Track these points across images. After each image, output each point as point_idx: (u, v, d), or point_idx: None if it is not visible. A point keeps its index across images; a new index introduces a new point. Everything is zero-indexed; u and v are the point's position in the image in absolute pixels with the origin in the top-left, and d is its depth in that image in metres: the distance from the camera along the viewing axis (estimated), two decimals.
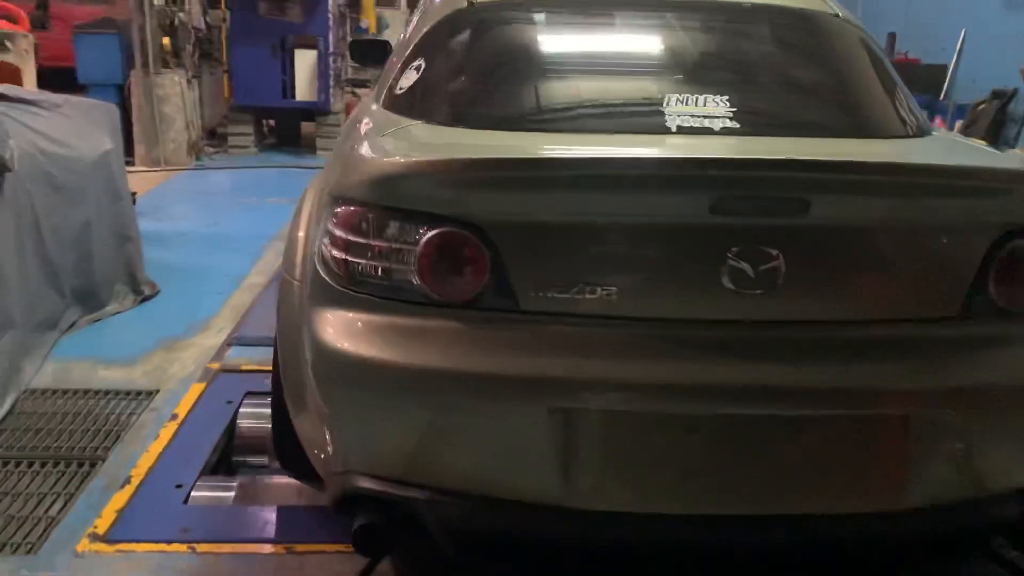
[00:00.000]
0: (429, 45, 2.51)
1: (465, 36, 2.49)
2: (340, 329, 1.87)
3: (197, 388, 3.30)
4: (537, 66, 2.42)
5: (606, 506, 1.81)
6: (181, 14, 7.50)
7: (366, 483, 1.89)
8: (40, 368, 3.40)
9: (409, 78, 2.46)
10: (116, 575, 2.24)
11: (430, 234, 1.79)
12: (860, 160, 1.86)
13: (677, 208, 1.76)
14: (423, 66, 2.45)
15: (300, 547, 2.36)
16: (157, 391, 3.27)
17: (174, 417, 3.06)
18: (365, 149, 2.05)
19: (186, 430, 2.98)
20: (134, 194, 5.86)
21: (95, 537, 2.38)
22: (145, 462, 2.77)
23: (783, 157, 1.82)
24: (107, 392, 3.25)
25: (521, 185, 1.80)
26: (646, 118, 2.16)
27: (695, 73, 2.37)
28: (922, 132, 2.37)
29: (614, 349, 1.78)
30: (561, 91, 2.35)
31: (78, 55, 7.22)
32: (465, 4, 2.55)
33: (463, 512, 1.86)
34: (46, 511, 2.50)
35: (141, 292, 4.26)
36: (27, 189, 3.36)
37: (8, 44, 4.12)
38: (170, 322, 3.96)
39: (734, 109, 2.15)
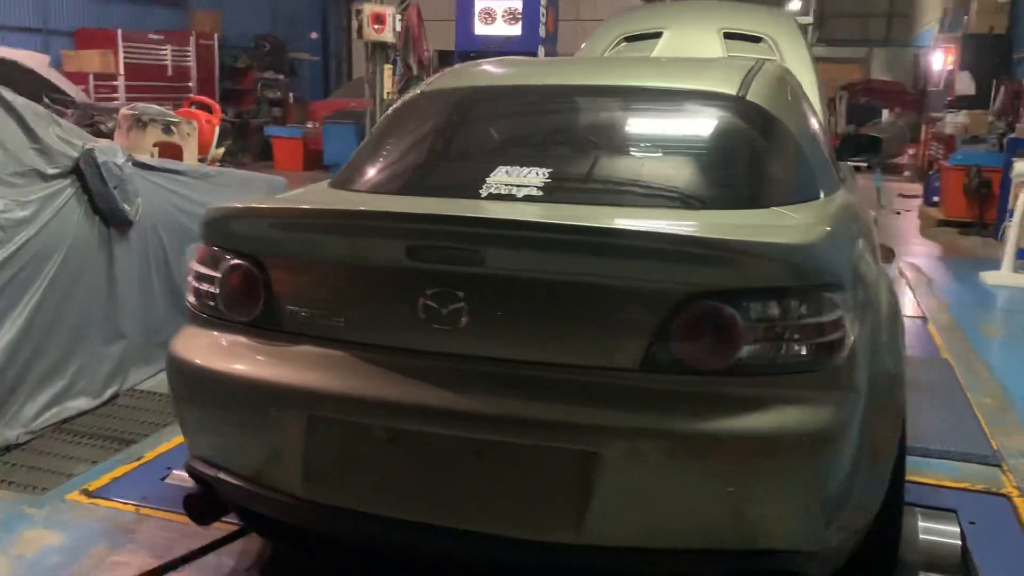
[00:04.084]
0: (378, 127, 3.07)
1: (394, 119, 3.02)
2: (180, 338, 2.44)
3: None
4: (419, 142, 2.88)
5: (326, 500, 2.16)
6: None
7: (193, 462, 2.42)
8: (155, 375, 4.35)
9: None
10: (75, 517, 2.95)
11: (226, 265, 2.31)
12: (518, 219, 2.07)
13: (385, 253, 2.11)
14: (363, 143, 3.01)
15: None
16: None
17: None
18: None
19: None
20: None
21: (84, 492, 3.13)
22: (161, 449, 3.51)
23: (451, 214, 2.10)
24: None
25: (278, 228, 2.27)
26: (470, 185, 2.49)
27: (543, 149, 2.67)
28: (777, 203, 2.41)
29: (336, 367, 2.15)
30: (420, 162, 2.77)
31: (325, 141, 8.69)
32: (418, 93, 3.09)
33: (237, 493, 2.31)
34: (72, 470, 3.31)
35: None
36: (160, 236, 4.37)
37: (173, 128, 5.33)
38: None
39: (550, 180, 2.42)
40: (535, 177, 2.44)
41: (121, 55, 13.22)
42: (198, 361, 2.31)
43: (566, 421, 1.96)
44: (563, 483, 1.97)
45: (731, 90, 2.78)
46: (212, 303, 2.37)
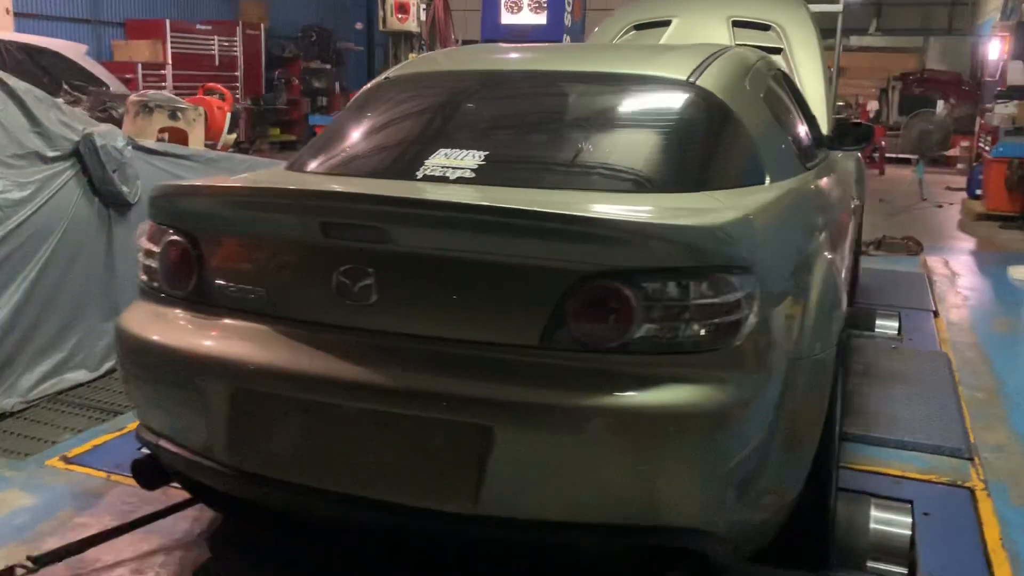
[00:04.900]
0: (343, 111, 3.16)
1: (357, 104, 3.11)
2: (127, 311, 2.56)
3: None
4: (375, 126, 2.95)
5: (248, 468, 2.25)
6: None
7: (140, 430, 2.55)
8: None
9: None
10: (50, 481, 3.12)
11: (165, 240, 2.42)
12: (418, 198, 2.12)
13: (302, 231, 2.19)
14: (328, 126, 3.11)
15: (172, 490, 3.04)
16: None
17: None
18: None
19: None
20: None
21: (63, 458, 3.29)
22: None
23: (360, 192, 2.17)
24: None
25: (207, 206, 2.37)
26: (408, 167, 2.54)
27: (486, 133, 2.72)
28: (712, 187, 2.42)
29: (258, 340, 2.24)
30: (370, 145, 2.85)
31: None
32: (382, 79, 3.18)
33: (175, 459, 2.42)
34: (57, 438, 3.48)
35: None
36: None
37: (179, 114, 5.50)
38: None
39: (485, 163, 2.48)
40: (471, 159, 2.49)
41: (169, 45, 13.58)
42: (138, 332, 2.42)
43: (461, 395, 2.01)
44: (460, 455, 2.03)
45: (680, 75, 2.79)
46: (155, 278, 2.48)
